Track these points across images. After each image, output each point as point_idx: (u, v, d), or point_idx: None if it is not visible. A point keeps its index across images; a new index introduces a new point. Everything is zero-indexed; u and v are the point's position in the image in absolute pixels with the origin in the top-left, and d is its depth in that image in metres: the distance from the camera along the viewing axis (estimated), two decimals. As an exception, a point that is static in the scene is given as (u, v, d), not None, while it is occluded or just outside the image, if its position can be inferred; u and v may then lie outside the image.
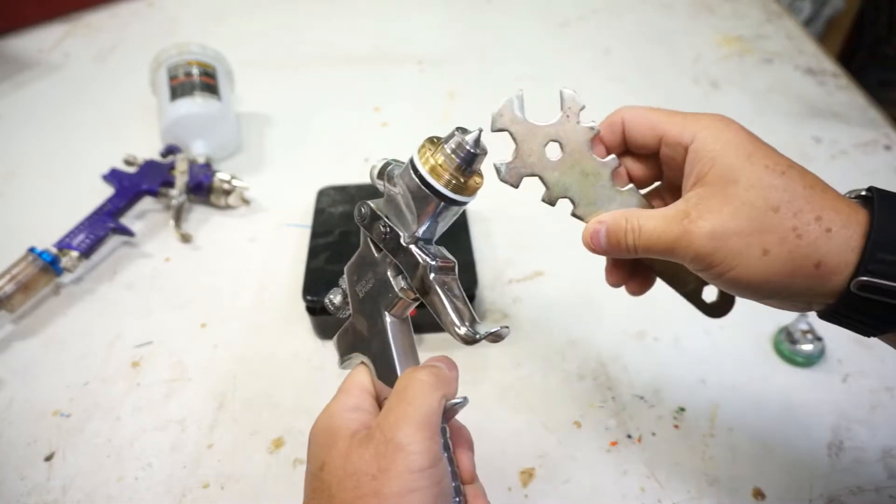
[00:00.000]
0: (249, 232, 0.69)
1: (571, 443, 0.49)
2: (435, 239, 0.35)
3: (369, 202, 0.36)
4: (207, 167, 0.72)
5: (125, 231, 0.66)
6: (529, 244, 0.66)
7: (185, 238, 0.68)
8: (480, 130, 0.34)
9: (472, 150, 0.33)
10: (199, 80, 0.77)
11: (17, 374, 0.55)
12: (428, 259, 0.33)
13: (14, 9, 1.05)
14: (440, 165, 0.33)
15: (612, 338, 0.56)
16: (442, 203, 0.33)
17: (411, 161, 0.33)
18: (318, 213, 0.63)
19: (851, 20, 1.61)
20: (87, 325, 0.59)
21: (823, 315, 0.32)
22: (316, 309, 0.55)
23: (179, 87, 0.76)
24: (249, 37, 1.06)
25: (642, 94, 0.88)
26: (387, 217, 0.35)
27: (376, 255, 0.36)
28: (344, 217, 0.62)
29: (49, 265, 0.60)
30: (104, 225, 0.65)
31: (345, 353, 0.37)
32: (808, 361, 0.53)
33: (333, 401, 0.35)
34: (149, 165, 0.72)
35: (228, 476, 0.47)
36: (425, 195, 0.33)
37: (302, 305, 0.55)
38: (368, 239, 0.36)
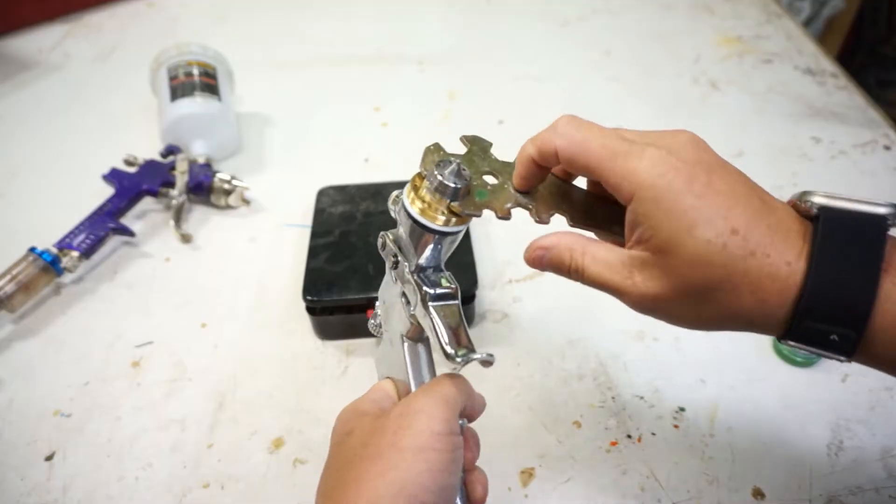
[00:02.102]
0: (249, 232, 0.69)
1: (571, 443, 0.49)
2: (443, 263, 0.36)
3: (388, 232, 0.37)
4: (207, 167, 0.72)
5: (125, 231, 0.66)
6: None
7: (186, 238, 0.68)
8: (458, 163, 0.34)
9: (454, 185, 0.33)
10: (199, 81, 0.77)
11: (18, 374, 0.55)
12: (426, 288, 0.35)
13: (14, 9, 1.05)
14: (429, 204, 0.34)
15: (612, 338, 0.56)
16: (437, 236, 0.34)
17: (402, 202, 0.35)
18: (318, 213, 0.63)
19: (851, 20, 1.61)
20: (87, 325, 0.59)
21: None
22: (316, 309, 0.55)
23: (180, 87, 0.76)
24: (249, 37, 1.06)
25: (642, 94, 0.88)
26: (398, 247, 0.36)
27: (393, 281, 0.38)
28: (344, 217, 0.62)
29: (49, 265, 0.60)
30: (104, 225, 0.65)
31: (382, 374, 0.39)
32: (808, 361, 0.53)
33: (359, 398, 0.37)
34: (149, 165, 0.72)
35: (228, 476, 0.47)
36: (421, 232, 0.34)
37: (302, 305, 0.55)
38: (388, 267, 0.38)
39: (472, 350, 0.33)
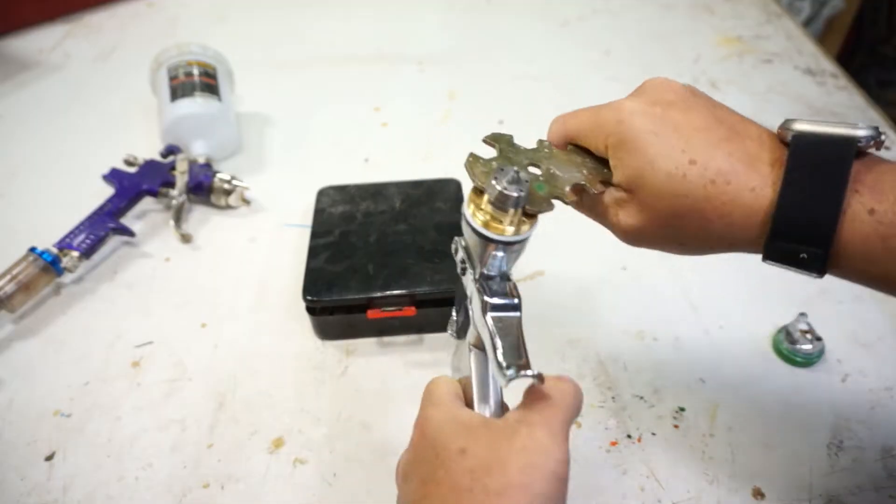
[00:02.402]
0: (249, 232, 0.69)
1: (571, 443, 0.48)
2: (510, 272, 0.36)
3: (461, 239, 0.37)
4: (207, 167, 0.72)
5: (125, 231, 0.66)
6: (529, 244, 0.66)
7: (186, 238, 0.68)
8: (515, 170, 0.33)
9: (518, 194, 0.33)
10: (199, 81, 0.77)
11: (18, 374, 0.55)
12: (486, 297, 0.35)
13: (14, 9, 1.05)
14: (492, 216, 0.34)
15: (612, 338, 0.56)
16: (502, 245, 0.34)
17: (464, 215, 0.35)
18: (318, 213, 0.63)
19: (851, 20, 1.61)
20: (87, 325, 0.59)
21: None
22: (316, 309, 0.55)
23: (180, 88, 0.76)
24: (249, 37, 1.06)
25: (642, 94, 0.88)
26: (466, 253, 0.36)
27: (465, 288, 0.38)
28: (344, 217, 0.62)
29: (50, 265, 0.60)
30: (104, 225, 0.65)
31: (462, 373, 0.39)
32: (808, 361, 0.53)
33: (441, 401, 0.35)
34: (149, 165, 0.72)
35: (228, 476, 0.47)
36: (485, 242, 0.34)
37: (302, 305, 0.55)
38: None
39: (527, 366, 0.32)
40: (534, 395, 0.32)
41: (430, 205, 0.63)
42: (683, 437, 0.49)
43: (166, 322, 0.59)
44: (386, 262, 0.56)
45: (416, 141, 0.82)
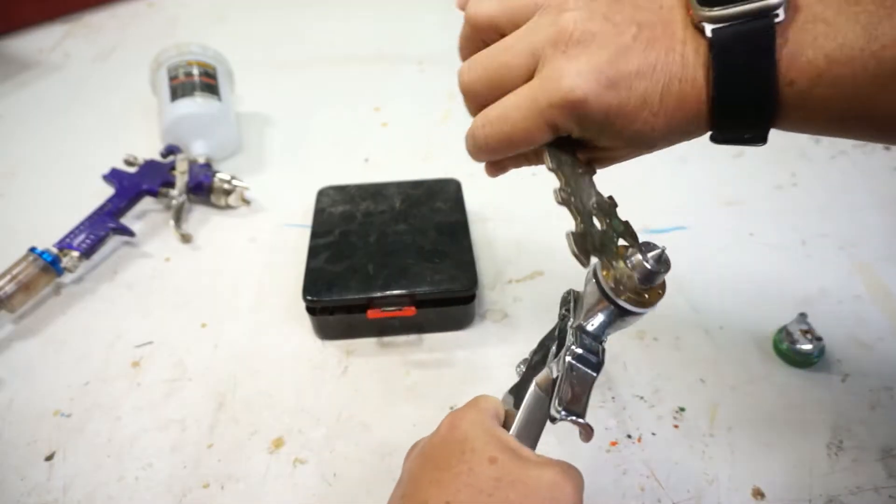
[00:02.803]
0: (249, 232, 0.69)
1: (571, 443, 0.49)
2: (606, 338, 0.36)
3: (574, 291, 0.38)
4: (207, 167, 0.72)
5: (125, 231, 0.66)
6: (529, 244, 0.66)
7: (186, 238, 0.68)
8: (664, 249, 0.33)
9: (653, 269, 0.33)
10: (199, 81, 0.77)
11: (17, 374, 0.55)
12: (576, 347, 0.35)
13: (14, 9, 1.06)
14: (620, 280, 0.33)
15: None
16: (618, 311, 0.34)
17: (595, 270, 0.34)
18: (318, 213, 0.63)
19: (851, 20, 1.61)
20: (87, 325, 0.59)
21: (713, 139, 0.34)
22: (316, 309, 0.55)
23: (180, 87, 0.76)
24: (249, 37, 1.06)
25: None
26: (575, 304, 0.37)
27: (555, 332, 0.39)
28: (344, 217, 0.62)
29: (50, 265, 0.60)
30: (104, 225, 0.65)
31: (511, 404, 0.39)
32: (808, 361, 0.53)
33: (483, 407, 0.35)
34: (149, 165, 0.72)
35: (228, 476, 0.47)
36: (605, 303, 0.34)
37: (302, 305, 0.55)
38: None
39: (582, 414, 0.34)
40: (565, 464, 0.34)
41: (430, 205, 0.63)
42: (683, 437, 0.49)
43: (166, 322, 0.59)
44: (386, 262, 0.56)
45: (416, 141, 0.82)
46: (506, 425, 0.36)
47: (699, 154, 0.76)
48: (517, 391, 0.38)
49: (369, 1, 1.15)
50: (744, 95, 0.29)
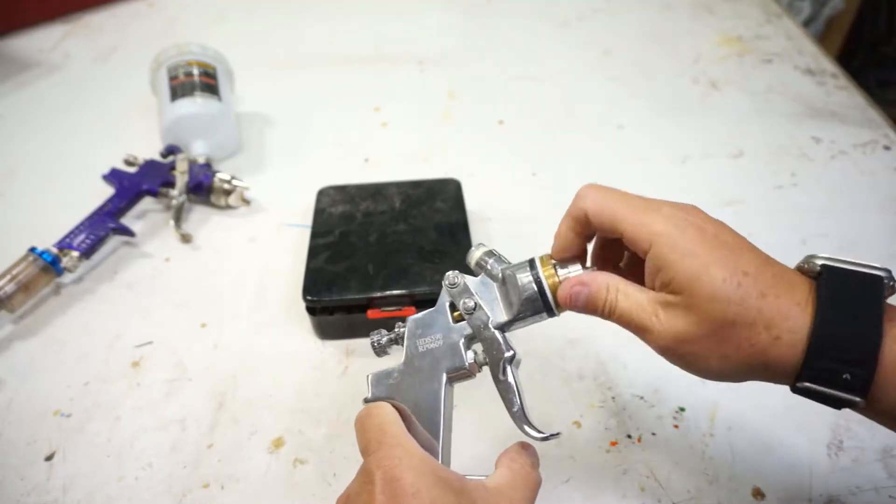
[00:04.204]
0: (249, 232, 0.69)
1: (571, 443, 0.49)
2: (509, 332, 0.38)
3: (465, 277, 0.39)
4: (207, 167, 0.72)
5: (125, 231, 0.66)
6: (529, 244, 0.66)
7: (185, 238, 0.68)
8: (585, 269, 0.37)
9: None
10: (199, 80, 0.77)
11: (17, 374, 0.55)
12: (513, 350, 0.37)
13: (14, 9, 1.06)
14: (555, 283, 0.37)
15: (612, 338, 0.56)
16: (543, 312, 0.37)
17: (536, 274, 0.37)
18: (318, 213, 0.63)
19: (851, 20, 1.61)
20: (87, 325, 0.59)
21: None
22: (316, 309, 0.55)
23: (179, 87, 0.76)
24: (249, 37, 1.06)
25: (642, 94, 0.88)
26: (479, 297, 0.38)
27: (451, 322, 0.38)
28: (344, 217, 0.62)
29: (49, 265, 0.60)
30: (104, 225, 0.65)
31: (380, 393, 0.39)
32: (808, 361, 0.53)
33: (409, 446, 0.33)
34: (149, 165, 0.72)
35: (228, 476, 0.47)
36: (535, 301, 0.37)
37: (302, 305, 0.55)
38: (448, 305, 0.39)
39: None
40: (508, 473, 0.35)
41: (430, 205, 0.63)
42: (683, 437, 0.49)
43: (166, 322, 0.59)
44: (386, 262, 0.56)
45: (416, 141, 0.82)
46: (408, 423, 0.36)
47: (699, 154, 0.76)
48: (416, 385, 0.38)
49: (369, 1, 1.15)
50: (852, 320, 0.30)
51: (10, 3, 1.05)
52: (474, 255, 0.39)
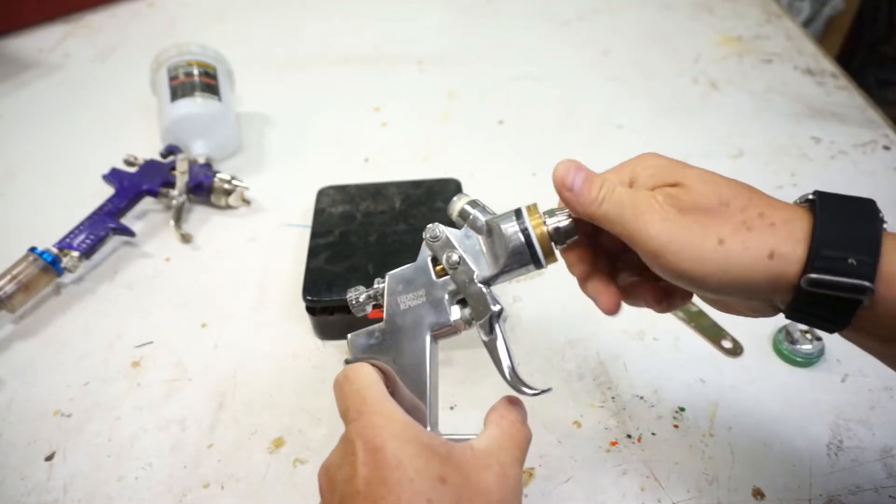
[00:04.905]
0: (249, 232, 0.69)
1: (571, 443, 0.49)
2: (495, 285, 0.37)
3: (446, 229, 0.37)
4: (207, 167, 0.72)
5: (125, 231, 0.66)
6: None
7: (186, 238, 0.68)
8: (573, 218, 0.36)
9: (571, 227, 0.36)
10: (199, 81, 0.77)
11: (18, 374, 0.55)
12: (500, 305, 0.36)
13: (14, 9, 1.05)
14: (543, 233, 0.35)
15: (612, 337, 0.56)
16: (531, 263, 0.36)
17: (523, 223, 0.35)
18: (318, 213, 0.63)
19: (851, 20, 1.61)
20: (87, 325, 0.59)
21: (787, 313, 0.32)
22: (316, 309, 0.55)
23: (180, 88, 0.76)
24: (249, 37, 1.06)
25: (642, 94, 0.88)
26: (463, 250, 0.36)
27: (434, 277, 0.37)
28: (344, 217, 0.62)
29: (50, 265, 0.60)
30: (105, 225, 0.65)
31: (361, 354, 0.38)
32: (808, 361, 0.53)
33: (390, 411, 0.32)
34: (149, 165, 0.72)
35: (228, 476, 0.47)
36: (522, 253, 0.35)
37: (302, 305, 0.55)
38: (430, 259, 0.37)
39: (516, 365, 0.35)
40: (497, 431, 0.34)
41: (430, 205, 0.63)
42: (683, 437, 0.49)
43: (166, 322, 0.59)
44: (386, 262, 0.56)
45: (416, 141, 0.82)
46: (390, 383, 0.35)
47: (699, 154, 0.76)
48: (392, 347, 0.37)
49: (369, 1, 1.15)
50: (851, 222, 0.30)
51: (10, 3, 1.05)
52: (456, 206, 0.37)
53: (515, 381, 0.35)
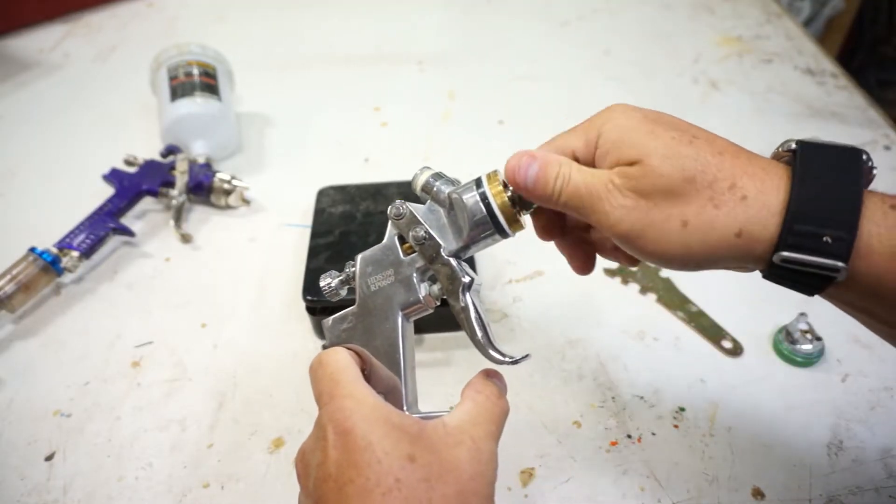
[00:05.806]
0: (249, 232, 0.69)
1: (571, 443, 0.49)
2: (464, 258, 0.36)
3: (409, 205, 0.36)
4: (207, 167, 0.72)
5: (125, 231, 0.66)
6: (529, 244, 0.66)
7: (186, 238, 0.68)
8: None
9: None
10: (199, 81, 0.77)
11: (18, 374, 0.55)
12: (469, 275, 0.35)
13: (14, 9, 1.05)
14: (505, 202, 0.34)
15: (612, 338, 0.56)
16: (496, 233, 0.35)
17: (483, 193, 0.34)
18: (318, 213, 0.63)
19: (851, 20, 1.61)
20: (87, 325, 0.59)
21: (763, 276, 0.32)
22: (316, 309, 0.55)
23: (179, 87, 0.76)
24: (249, 37, 1.06)
25: (642, 93, 0.88)
26: (428, 225, 0.36)
27: (402, 255, 0.37)
28: (344, 217, 0.62)
29: (50, 265, 0.60)
30: (104, 225, 0.65)
31: (337, 339, 0.37)
32: (808, 361, 0.53)
33: (361, 394, 0.31)
34: (149, 165, 0.72)
35: (228, 476, 0.47)
36: (485, 223, 0.34)
37: (302, 305, 0.55)
38: (397, 238, 0.37)
39: (494, 338, 0.34)
40: (471, 405, 0.33)
41: (430, 205, 0.63)
42: (683, 437, 0.49)
43: (166, 322, 0.59)
44: (386, 262, 0.56)
45: (416, 141, 0.82)
46: (366, 367, 0.34)
47: (699, 154, 0.76)
48: (366, 329, 0.36)
49: (369, 1, 1.15)
50: (830, 185, 0.29)
51: (10, 3, 1.05)
52: (419, 180, 0.36)
53: (487, 350, 0.34)
